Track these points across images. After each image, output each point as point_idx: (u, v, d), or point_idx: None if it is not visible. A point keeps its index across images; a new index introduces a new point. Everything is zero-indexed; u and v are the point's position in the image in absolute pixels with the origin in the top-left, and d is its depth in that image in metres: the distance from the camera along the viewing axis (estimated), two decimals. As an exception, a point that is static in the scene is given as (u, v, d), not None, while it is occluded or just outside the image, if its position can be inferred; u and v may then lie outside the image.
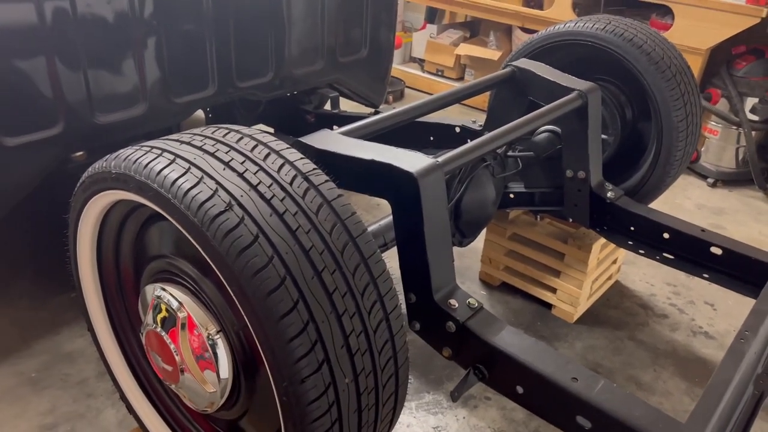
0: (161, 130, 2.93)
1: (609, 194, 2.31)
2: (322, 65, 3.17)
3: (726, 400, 1.50)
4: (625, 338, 2.82)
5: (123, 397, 1.77)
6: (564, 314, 2.89)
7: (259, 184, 1.19)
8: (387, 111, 3.09)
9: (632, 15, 4.63)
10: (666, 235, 2.23)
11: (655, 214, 2.27)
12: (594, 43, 2.51)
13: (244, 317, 1.12)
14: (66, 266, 1.65)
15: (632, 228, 2.31)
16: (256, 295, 1.07)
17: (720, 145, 4.28)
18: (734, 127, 4.18)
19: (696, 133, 2.55)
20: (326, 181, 1.27)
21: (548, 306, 2.94)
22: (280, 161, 1.26)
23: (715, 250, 2.14)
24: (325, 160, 1.64)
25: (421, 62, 5.77)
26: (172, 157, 1.22)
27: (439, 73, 5.56)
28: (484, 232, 2.98)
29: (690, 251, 2.19)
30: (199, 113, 3.21)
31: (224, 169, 1.20)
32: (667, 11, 4.28)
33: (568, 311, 2.87)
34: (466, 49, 5.22)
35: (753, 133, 4.10)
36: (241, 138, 1.31)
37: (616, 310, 3.00)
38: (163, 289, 1.35)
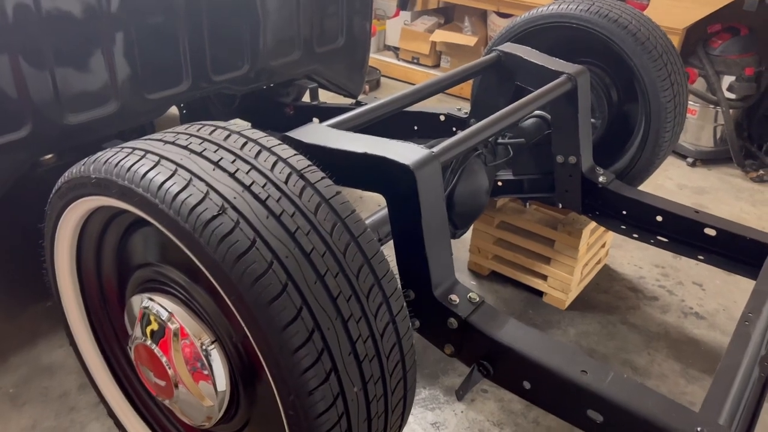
0: (135, 129, 2.83)
1: (600, 179, 2.28)
2: (299, 56, 3.08)
3: (736, 386, 1.47)
4: (618, 322, 2.80)
5: (111, 414, 1.68)
6: (555, 301, 2.86)
7: (252, 184, 1.11)
8: (366, 101, 3.05)
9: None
10: (659, 218, 2.20)
11: (648, 197, 2.24)
12: (579, 25, 2.46)
13: (244, 327, 1.04)
14: (41, 273, 1.56)
15: (625, 212, 2.28)
16: (257, 304, 1.00)
17: (698, 124, 4.29)
18: (712, 106, 4.19)
19: (683, 113, 2.52)
20: (323, 178, 1.20)
21: (539, 293, 2.91)
22: (273, 159, 1.18)
23: (710, 232, 2.12)
24: (315, 154, 1.56)
25: (395, 50, 5.69)
26: (156, 158, 1.13)
27: (415, 61, 5.49)
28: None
29: (684, 233, 2.17)
30: (173, 110, 3.09)
31: (214, 169, 1.12)
32: (642, -9, 4.26)
33: (560, 298, 2.84)
34: (442, 36, 5.15)
35: (730, 111, 4.11)
36: (228, 135, 1.22)
37: (607, 294, 2.98)
38: (151, 300, 1.26)
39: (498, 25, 4.87)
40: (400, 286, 1.22)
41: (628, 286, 3.05)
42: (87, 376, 1.66)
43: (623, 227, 2.28)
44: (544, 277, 2.85)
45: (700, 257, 2.14)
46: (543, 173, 2.49)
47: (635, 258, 3.24)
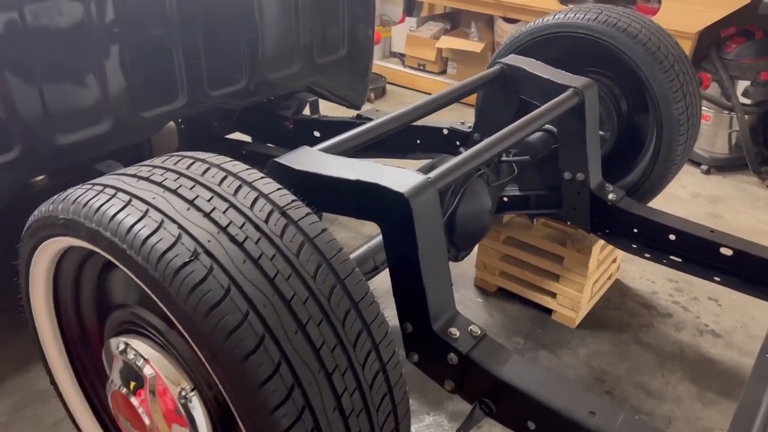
0: (131, 146, 2.77)
1: (610, 196, 2.18)
2: (299, 68, 3.00)
3: (758, 426, 1.37)
4: (630, 341, 2.70)
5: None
6: (565, 319, 2.76)
7: (229, 224, 1.03)
8: (367, 113, 2.97)
9: (619, 0, 4.50)
10: (672, 237, 2.10)
11: (660, 215, 2.13)
12: (586, 35, 2.36)
13: (218, 384, 0.96)
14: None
15: (636, 230, 2.18)
16: (231, 361, 0.92)
17: (712, 130, 4.17)
18: (726, 112, 4.07)
19: (697, 124, 2.42)
20: (307, 214, 1.11)
21: (548, 311, 2.81)
22: (254, 195, 1.10)
23: (726, 251, 2.02)
24: (305, 182, 1.49)
25: (401, 57, 5.60)
26: (127, 197, 1.05)
27: (421, 68, 5.40)
28: (477, 235, 2.84)
29: (699, 253, 2.06)
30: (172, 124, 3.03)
31: (188, 209, 1.04)
32: (653, -5, 4.15)
33: (570, 316, 2.74)
34: (448, 42, 5.06)
35: (746, 116, 3.99)
36: (207, 169, 1.14)
37: (618, 311, 2.88)
38: (127, 344, 1.19)
39: (505, 31, 4.77)
40: (389, 329, 1.13)
41: (640, 302, 2.94)
42: (69, 418, 1.58)
43: (634, 246, 2.18)
44: (553, 295, 2.76)
45: (716, 279, 2.03)
46: (550, 189, 2.40)
47: (648, 272, 3.13)
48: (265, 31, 2.76)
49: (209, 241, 1.00)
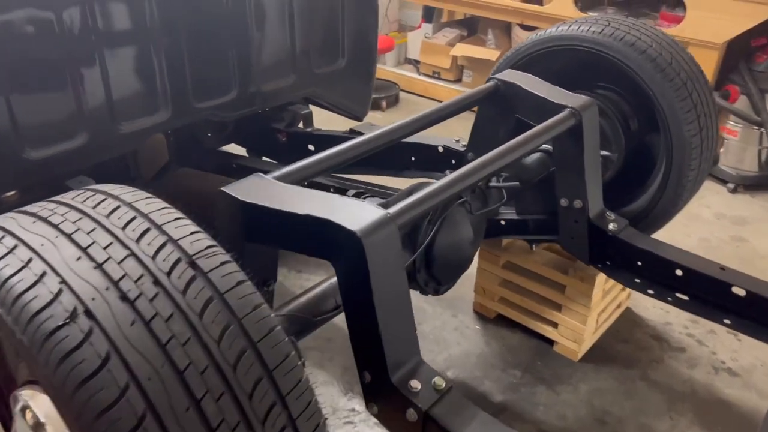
0: (115, 160, 2.67)
1: (611, 226, 1.99)
2: (294, 78, 2.87)
3: None
4: (637, 378, 2.50)
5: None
6: (567, 352, 2.57)
7: (123, 278, 0.90)
8: (362, 126, 2.82)
9: (640, 8, 4.28)
10: (679, 273, 1.91)
11: (666, 248, 1.94)
12: (591, 49, 2.18)
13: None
14: None
15: (639, 264, 1.99)
16: (101, 446, 0.78)
17: (740, 146, 3.92)
18: (756, 127, 3.82)
19: (712, 147, 2.22)
20: (222, 264, 0.97)
21: (550, 342, 2.63)
22: (160, 240, 0.97)
23: (738, 291, 1.82)
24: (252, 215, 1.35)
25: (416, 64, 5.45)
26: (13, 243, 0.93)
27: (436, 75, 5.23)
28: (477, 257, 2.67)
29: (708, 292, 1.87)
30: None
31: (79, 258, 0.91)
32: (678, 2, 3.92)
33: (572, 349, 2.55)
34: (463, 50, 4.88)
35: (776, 133, 3.73)
36: (115, 209, 1.01)
37: (627, 344, 2.68)
38: (28, 398, 1.06)
39: (522, 39, 4.57)
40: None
41: (651, 333, 2.74)
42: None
43: (637, 281, 2.00)
44: (555, 325, 2.58)
45: (726, 321, 1.84)
46: (549, 213, 2.22)
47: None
48: (256, 39, 2.64)
49: (93, 298, 0.86)
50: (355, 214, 1.29)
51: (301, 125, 2.94)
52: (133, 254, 0.94)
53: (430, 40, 5.21)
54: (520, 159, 1.77)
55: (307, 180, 1.50)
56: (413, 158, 2.56)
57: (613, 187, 2.30)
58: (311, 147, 2.89)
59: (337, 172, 2.70)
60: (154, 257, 0.94)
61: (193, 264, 0.95)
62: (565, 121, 1.86)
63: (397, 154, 2.55)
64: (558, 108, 1.90)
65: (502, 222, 2.36)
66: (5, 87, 1.99)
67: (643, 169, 2.35)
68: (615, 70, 2.19)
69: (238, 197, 1.35)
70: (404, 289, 1.35)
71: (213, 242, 1.01)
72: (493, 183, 1.92)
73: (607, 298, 2.57)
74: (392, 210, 1.34)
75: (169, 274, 0.93)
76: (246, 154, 3.20)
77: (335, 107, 3.21)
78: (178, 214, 1.04)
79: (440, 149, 2.44)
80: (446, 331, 2.72)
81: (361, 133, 2.73)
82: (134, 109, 2.35)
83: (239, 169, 2.87)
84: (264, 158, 3.10)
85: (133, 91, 2.32)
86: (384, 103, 4.91)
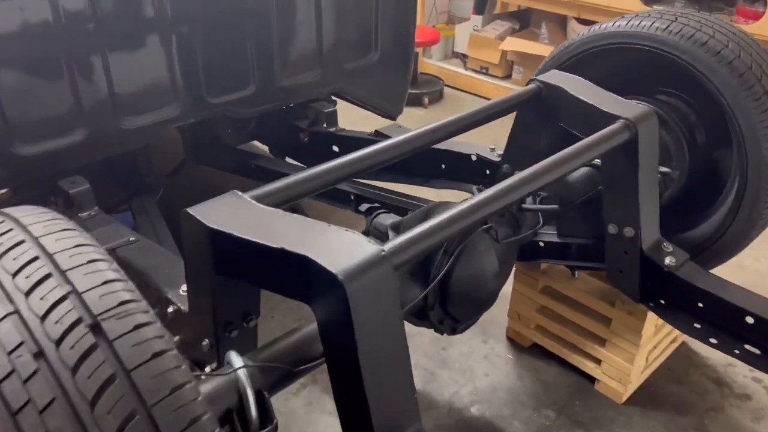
0: (125, 158, 2.50)
1: (668, 260, 1.68)
2: (320, 73, 2.64)
3: None
4: (691, 428, 2.17)
5: None
6: (611, 392, 2.27)
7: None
8: (389, 129, 2.56)
9: (713, 2, 3.86)
10: (749, 320, 1.59)
11: (735, 291, 1.62)
12: (653, 48, 1.86)
13: None
14: None
15: (701, 305, 1.67)
16: None
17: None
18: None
19: (796, 168, 1.86)
20: (137, 327, 0.74)
21: (591, 379, 2.32)
22: (60, 292, 0.74)
23: (824, 349, 1.49)
24: (220, 243, 1.12)
25: (463, 58, 5.13)
26: None
27: (484, 71, 4.91)
28: (512, 277, 2.39)
29: (785, 346, 1.54)
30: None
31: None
32: (757, -4, 3.50)
33: (616, 389, 2.24)
34: (513, 44, 4.55)
35: None
36: (14, 246, 0.80)
37: (681, 385, 2.34)
38: None
39: (578, 33, 4.21)
40: None
41: (711, 375, 2.39)
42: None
43: (697, 326, 1.68)
44: (598, 361, 2.27)
45: (807, 385, 1.51)
46: (596, 238, 1.93)
47: (724, 337, 2.56)
48: (278, 29, 2.41)
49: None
50: (340, 250, 1.04)
51: (325, 125, 2.69)
52: (16, 313, 0.71)
53: (478, 33, 4.89)
54: (561, 179, 1.48)
55: (294, 201, 1.26)
56: (443, 166, 2.29)
57: (672, 210, 1.99)
58: (335, 148, 2.65)
59: (359, 178, 2.45)
60: (44, 318, 0.71)
61: (96, 327, 0.72)
62: (617, 134, 1.56)
63: (426, 161, 2.29)
64: (609, 118, 1.60)
65: (541, 243, 2.07)
66: (-5, 79, 1.82)
67: (710, 190, 2.02)
68: (681, 74, 1.87)
69: (204, 221, 1.12)
70: (400, 344, 1.10)
71: (132, 295, 0.78)
72: (528, 204, 1.64)
73: (660, 333, 2.25)
74: (389, 246, 1.08)
75: (59, 342, 0.70)
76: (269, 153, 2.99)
77: (366, 105, 2.97)
78: (97, 254, 0.81)
79: (473, 158, 2.17)
80: (474, 359, 2.44)
81: (387, 136, 2.49)
82: (139, 103, 2.16)
83: (258, 171, 2.66)
84: (288, 159, 2.88)
85: (138, 83, 2.13)
86: (426, 100, 4.63)
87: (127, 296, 0.77)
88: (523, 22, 4.95)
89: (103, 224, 1.87)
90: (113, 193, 2.50)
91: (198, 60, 2.25)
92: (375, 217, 1.65)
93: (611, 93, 1.72)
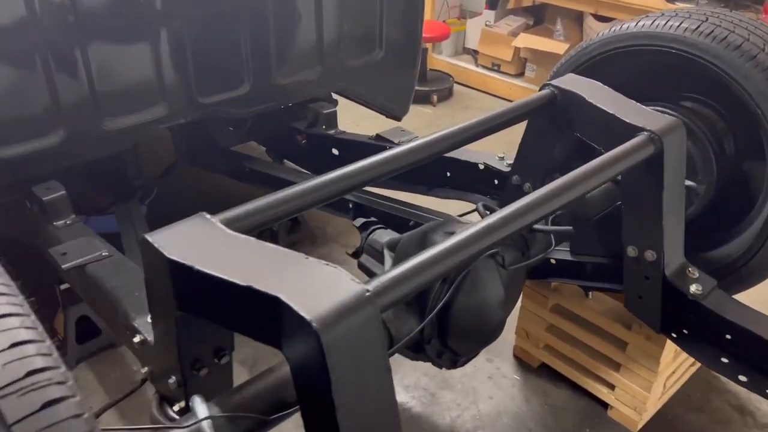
0: (111, 161, 2.35)
1: (693, 288, 1.52)
2: (320, 71, 2.48)
3: None
4: (711, 462, 2.01)
5: None
6: (625, 419, 2.11)
7: None
8: (391, 132, 2.40)
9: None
10: (784, 357, 1.42)
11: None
12: (681, 51, 1.69)
13: None
14: None
15: (729, 338, 1.51)
16: None
17: None
18: None
19: (837, 186, 1.69)
20: (34, 371, 0.59)
21: (603, 404, 2.17)
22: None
23: None
24: (180, 275, 0.97)
25: (474, 54, 4.95)
26: None
27: (495, 68, 4.73)
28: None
29: (825, 388, 1.38)
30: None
31: None
32: (787, -7, 3.29)
33: (631, 417, 2.08)
34: (526, 41, 4.37)
35: None
36: None
37: (700, 413, 2.18)
38: None
39: (595, 31, 4.02)
40: None
41: (733, 402, 2.23)
42: None
43: (725, 362, 1.51)
44: (611, 386, 2.11)
45: None
46: (612, 257, 1.77)
47: (747, 360, 2.39)
48: (275, 24, 2.26)
49: None
50: (317, 289, 0.89)
51: (324, 127, 2.54)
52: None
53: (490, 29, 4.71)
54: (578, 199, 1.32)
55: (268, 225, 1.10)
56: (448, 174, 2.13)
57: (697, 227, 1.82)
58: (335, 151, 2.50)
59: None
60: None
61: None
62: (640, 148, 1.40)
63: (430, 169, 2.12)
64: (631, 130, 1.44)
65: (552, 261, 1.91)
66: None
67: (739, 206, 1.84)
68: (710, 79, 1.70)
69: (163, 251, 0.97)
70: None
71: (46, 361, 0.63)
72: (540, 225, 1.47)
73: (679, 358, 2.08)
74: (375, 284, 0.92)
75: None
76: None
77: (369, 105, 2.81)
78: (9, 306, 0.66)
79: (481, 167, 2.01)
80: (478, 380, 2.29)
81: (388, 140, 2.34)
82: (123, 102, 2.02)
83: (253, 175, 2.51)
84: (286, 162, 2.73)
85: (122, 81, 1.99)
86: (435, 97, 4.46)
87: (39, 363, 0.62)
88: (538, 17, 4.76)
89: (76, 236, 1.73)
90: (99, 196, 2.36)
91: (188, 56, 2.10)
92: (371, 233, 1.50)
93: (633, 101, 1.55)
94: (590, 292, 2.01)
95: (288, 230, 2.84)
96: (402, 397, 2.21)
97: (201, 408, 1.00)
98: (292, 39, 2.37)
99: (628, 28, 1.80)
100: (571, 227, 1.47)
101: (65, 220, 1.84)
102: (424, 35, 4.30)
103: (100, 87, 1.94)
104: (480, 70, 4.78)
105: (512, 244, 1.44)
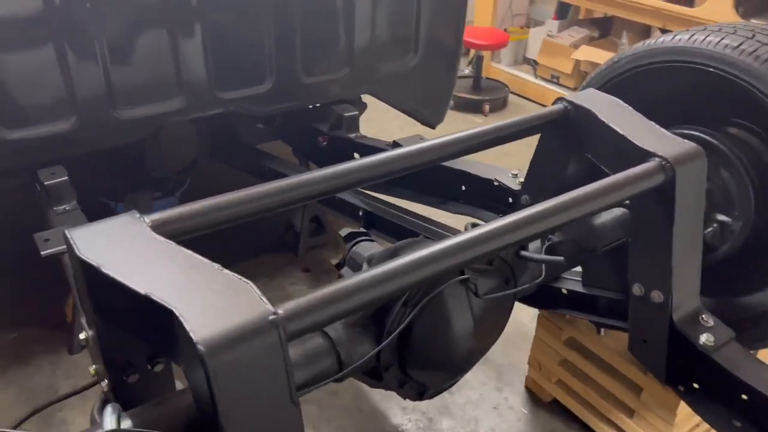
0: (125, 148, 2.35)
1: (704, 338, 1.33)
2: (348, 73, 2.41)
3: None
4: None
5: None
6: (636, 471, 1.92)
7: None
8: (408, 140, 2.28)
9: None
10: (806, 428, 1.23)
11: (788, 388, 1.26)
12: (719, 71, 1.51)
13: None
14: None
15: (745, 398, 1.32)
16: None
17: None
18: None
19: None
20: None
21: (615, 451, 1.98)
22: None
23: None
24: (93, 275, 0.91)
25: (534, 65, 4.76)
26: None
27: (555, 80, 4.53)
28: (534, 320, 2.09)
29: None
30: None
31: None
32: None
33: (643, 470, 1.89)
34: (587, 53, 4.15)
35: None
36: None
37: (726, 474, 1.95)
38: None
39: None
40: None
41: (765, 466, 1.98)
42: None
43: (737, 425, 1.33)
44: (624, 433, 1.92)
45: None
46: (626, 293, 1.59)
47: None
48: (301, 19, 2.20)
49: None
50: (218, 307, 0.81)
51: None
52: None
53: (552, 39, 4.51)
54: (575, 222, 1.18)
55: (202, 231, 1.02)
56: (463, 188, 2.01)
57: (729, 267, 1.62)
58: (357, 155, 2.41)
59: (369, 190, 2.21)
60: None
61: None
62: (648, 176, 1.24)
63: (444, 181, 2.02)
64: (642, 154, 1.28)
65: (564, 291, 1.75)
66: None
67: (779, 248, 1.63)
68: (755, 103, 1.51)
69: (77, 249, 0.91)
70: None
71: None
72: (528, 252, 1.33)
73: (704, 411, 1.87)
74: (285, 308, 0.83)
75: None
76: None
77: (402, 110, 2.71)
78: None
79: (495, 183, 1.87)
80: (482, 409, 2.14)
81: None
82: (138, 93, 2.01)
83: (272, 175, 2.46)
84: (311, 163, 2.67)
85: (137, 72, 1.98)
86: (487, 107, 4.30)
87: None
88: (604, 30, 4.52)
89: (69, 223, 1.72)
90: (114, 185, 2.38)
91: (207, 50, 2.07)
92: (354, 245, 1.40)
93: (653, 123, 1.39)
94: (602, 329, 1.83)
95: (310, 233, 2.78)
96: (398, 419, 2.10)
97: (109, 419, 0.93)
98: (320, 38, 2.30)
99: (662, 42, 1.63)
100: (561, 258, 1.32)
101: (65, 206, 1.84)
102: (478, 43, 4.20)
103: (114, 76, 1.93)
104: (538, 81, 4.59)
105: (493, 270, 1.30)
